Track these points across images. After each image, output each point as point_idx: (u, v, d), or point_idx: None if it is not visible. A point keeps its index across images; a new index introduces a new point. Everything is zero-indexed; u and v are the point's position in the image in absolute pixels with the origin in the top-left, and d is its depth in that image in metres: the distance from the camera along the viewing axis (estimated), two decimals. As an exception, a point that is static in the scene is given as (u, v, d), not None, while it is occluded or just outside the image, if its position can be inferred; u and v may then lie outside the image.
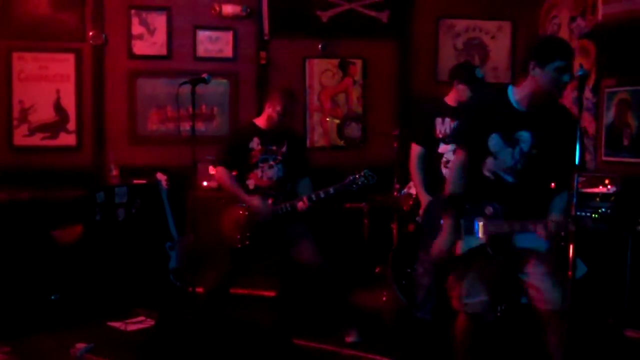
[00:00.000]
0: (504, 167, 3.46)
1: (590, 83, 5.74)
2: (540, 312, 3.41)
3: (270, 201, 4.80)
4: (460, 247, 3.56)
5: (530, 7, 6.80)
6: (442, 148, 4.94)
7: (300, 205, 4.74)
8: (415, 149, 5.06)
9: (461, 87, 4.91)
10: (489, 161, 3.50)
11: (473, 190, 3.57)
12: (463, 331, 3.71)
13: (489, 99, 3.72)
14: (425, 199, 4.93)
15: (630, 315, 4.58)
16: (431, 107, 5.18)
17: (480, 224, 3.48)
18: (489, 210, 3.47)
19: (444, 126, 4.95)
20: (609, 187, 3.37)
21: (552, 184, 3.51)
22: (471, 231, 3.52)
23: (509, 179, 3.47)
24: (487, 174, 3.52)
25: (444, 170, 4.92)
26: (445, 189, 3.73)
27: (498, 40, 6.97)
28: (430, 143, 4.99)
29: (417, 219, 5.06)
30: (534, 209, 3.38)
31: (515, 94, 3.48)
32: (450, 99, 4.99)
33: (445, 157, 4.93)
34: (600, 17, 5.65)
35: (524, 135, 3.42)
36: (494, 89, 3.88)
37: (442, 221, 3.64)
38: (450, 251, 3.58)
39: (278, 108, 4.86)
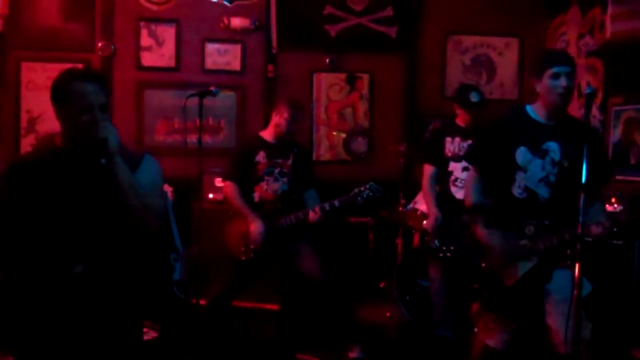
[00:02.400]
0: (537, 180, 3.41)
1: (598, 101, 5.73)
2: (558, 356, 3.28)
3: (276, 218, 4.81)
4: (512, 275, 3.43)
5: (538, 23, 6.81)
6: (452, 166, 5.03)
7: (312, 215, 4.73)
8: (428, 170, 5.14)
9: (460, 111, 5.03)
10: (519, 177, 3.45)
11: (503, 214, 3.51)
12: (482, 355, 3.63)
13: (508, 117, 3.71)
14: (434, 212, 4.99)
15: (637, 333, 4.55)
16: (441, 127, 5.30)
17: (526, 244, 3.39)
18: (529, 229, 3.39)
19: (452, 145, 5.04)
20: (615, 205, 3.34)
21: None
22: (520, 256, 3.42)
23: (543, 193, 3.41)
24: (517, 192, 3.46)
25: (453, 189, 5.00)
26: (466, 202, 3.72)
27: (505, 56, 6.97)
28: (441, 162, 5.06)
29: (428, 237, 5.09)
30: (569, 224, 3.20)
31: (534, 110, 3.50)
32: (460, 120, 5.08)
33: (454, 175, 5.01)
34: (608, 35, 5.65)
35: (552, 146, 3.41)
36: (509, 110, 3.87)
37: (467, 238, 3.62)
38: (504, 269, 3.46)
39: (285, 115, 4.87)
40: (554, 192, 3.41)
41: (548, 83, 3.36)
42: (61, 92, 2.74)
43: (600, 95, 5.73)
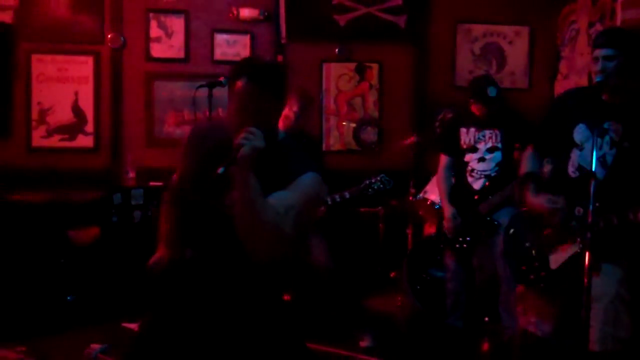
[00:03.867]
0: (591, 160, 3.25)
1: (609, 89, 5.69)
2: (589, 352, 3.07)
3: None
4: (554, 261, 3.39)
5: (548, 12, 6.76)
6: (467, 157, 4.94)
7: None
8: (444, 160, 5.07)
9: (477, 106, 4.90)
10: (574, 154, 3.38)
11: (558, 193, 3.41)
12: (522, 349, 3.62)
13: (573, 93, 3.64)
14: (448, 209, 4.93)
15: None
16: (456, 116, 5.21)
17: (574, 226, 3.29)
18: (579, 210, 3.27)
19: (468, 136, 4.94)
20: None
21: None
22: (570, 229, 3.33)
23: (597, 173, 3.21)
24: (571, 171, 3.39)
25: (470, 179, 4.93)
26: (520, 172, 3.67)
27: (516, 45, 6.94)
28: (457, 152, 4.99)
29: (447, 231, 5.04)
30: (623, 208, 3.11)
31: None
32: (475, 109, 4.97)
33: (470, 166, 4.93)
34: (619, 23, 5.61)
35: (614, 126, 3.28)
36: (584, 87, 3.79)
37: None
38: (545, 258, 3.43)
39: (295, 108, 4.86)
40: (609, 174, 3.27)
41: (592, 64, 3.28)
42: (228, 84, 2.57)
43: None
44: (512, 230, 3.73)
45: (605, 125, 3.29)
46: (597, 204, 3.13)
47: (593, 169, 2.94)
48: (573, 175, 3.40)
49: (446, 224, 4.93)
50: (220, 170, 2.28)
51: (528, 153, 3.68)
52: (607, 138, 3.29)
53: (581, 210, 3.27)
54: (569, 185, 3.40)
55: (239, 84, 2.50)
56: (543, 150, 3.62)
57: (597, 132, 3.24)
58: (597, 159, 3.26)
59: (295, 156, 2.61)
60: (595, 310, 3.09)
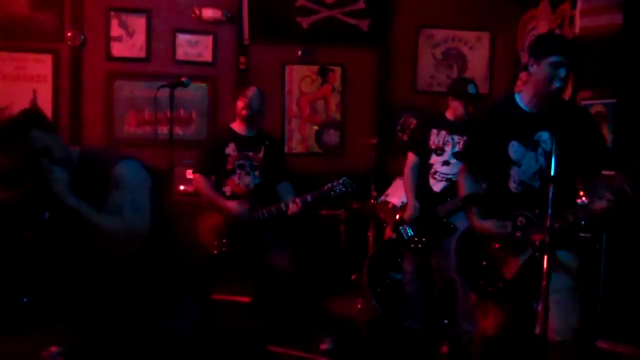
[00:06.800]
0: (532, 173, 3.37)
1: (567, 95, 5.78)
2: (549, 344, 3.15)
3: (247, 206, 4.79)
4: (508, 272, 3.44)
5: (509, 18, 6.84)
6: (433, 159, 5.00)
7: (292, 207, 4.71)
8: (411, 158, 5.11)
9: (455, 103, 4.96)
10: (514, 171, 3.41)
11: (500, 209, 3.47)
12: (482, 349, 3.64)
13: (497, 110, 3.63)
14: (413, 202, 4.97)
15: (602, 326, 4.62)
16: (429, 118, 5.26)
17: (521, 236, 3.37)
18: (520, 221, 3.35)
19: (438, 138, 5.00)
20: (583, 199, 3.38)
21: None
22: (517, 245, 3.41)
23: (537, 184, 3.37)
24: (513, 187, 3.43)
25: (431, 181, 4.98)
26: (459, 193, 3.72)
27: (476, 50, 7.01)
28: (424, 153, 5.03)
29: (402, 227, 5.07)
30: (561, 211, 3.17)
31: (522, 99, 3.42)
32: (449, 114, 5.05)
33: (434, 169, 4.98)
34: (577, 30, 5.70)
35: (543, 135, 3.34)
36: (499, 101, 3.86)
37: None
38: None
39: (243, 102, 4.86)
40: (544, 183, 3.32)
41: (546, 70, 3.25)
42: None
43: (569, 89, 5.78)
44: (462, 247, 3.76)
45: (535, 138, 3.37)
46: (537, 212, 3.29)
47: (552, 173, 2.97)
48: (515, 190, 3.44)
49: (407, 212, 4.97)
50: (45, 215, 2.70)
51: (464, 174, 3.70)
52: (540, 150, 3.37)
53: (523, 220, 3.36)
54: (511, 200, 3.44)
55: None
56: (477, 171, 3.64)
57: (532, 146, 3.36)
58: (537, 172, 3.38)
59: (97, 160, 2.83)
60: (555, 300, 3.09)
